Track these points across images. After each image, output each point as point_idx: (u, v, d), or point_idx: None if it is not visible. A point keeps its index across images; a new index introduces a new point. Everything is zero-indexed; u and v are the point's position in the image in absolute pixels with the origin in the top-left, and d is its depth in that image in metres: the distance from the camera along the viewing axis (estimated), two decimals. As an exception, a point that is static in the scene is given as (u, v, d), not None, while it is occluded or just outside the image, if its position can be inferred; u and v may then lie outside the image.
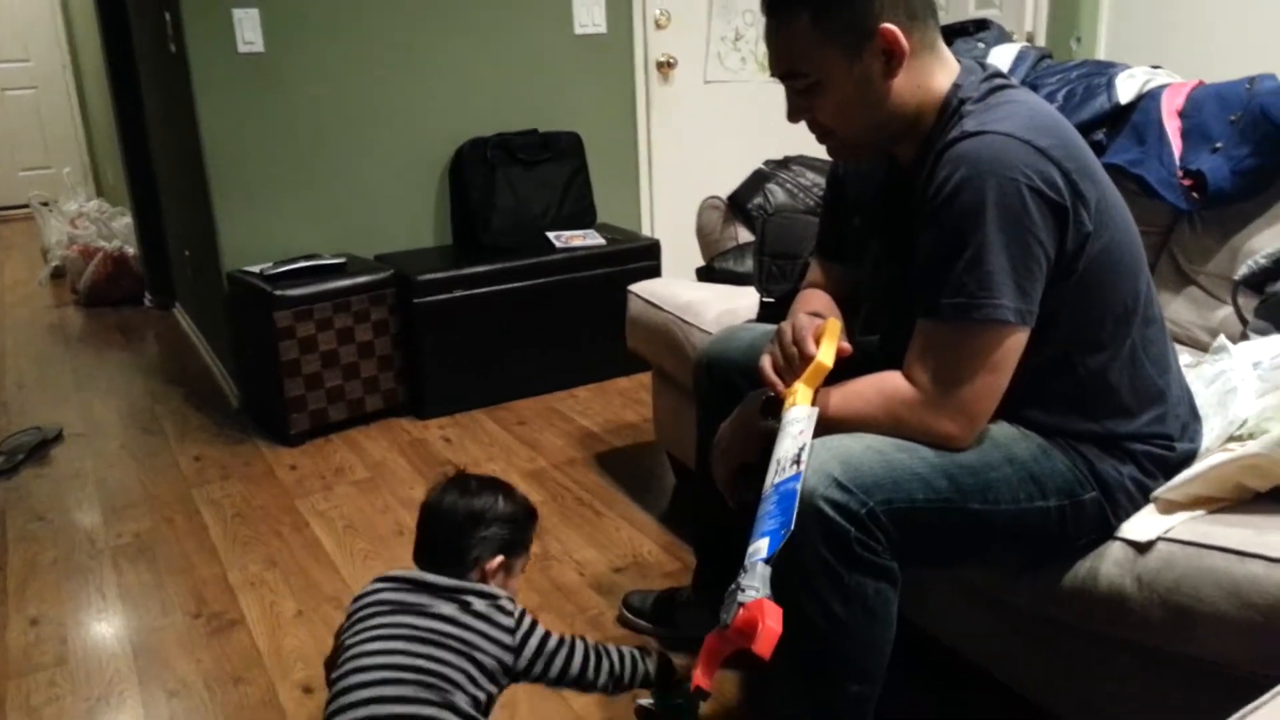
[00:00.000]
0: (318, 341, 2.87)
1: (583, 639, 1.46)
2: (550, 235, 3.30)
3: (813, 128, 1.36)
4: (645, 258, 3.30)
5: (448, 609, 1.35)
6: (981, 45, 2.42)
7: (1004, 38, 2.54)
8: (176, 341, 4.10)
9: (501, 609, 1.36)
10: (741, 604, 1.11)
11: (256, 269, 2.95)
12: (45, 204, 5.33)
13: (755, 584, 1.12)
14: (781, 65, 1.32)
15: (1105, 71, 2.20)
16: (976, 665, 1.59)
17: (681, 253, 3.41)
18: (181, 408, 3.31)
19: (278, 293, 2.80)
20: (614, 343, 2.83)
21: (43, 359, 3.96)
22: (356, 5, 3.07)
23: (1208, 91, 2.05)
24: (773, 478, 1.22)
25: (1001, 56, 2.35)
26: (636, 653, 1.51)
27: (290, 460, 2.83)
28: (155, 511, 2.57)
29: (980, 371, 1.23)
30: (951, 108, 1.29)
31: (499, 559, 1.44)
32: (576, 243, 3.27)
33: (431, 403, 3.08)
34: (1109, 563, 1.30)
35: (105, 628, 2.07)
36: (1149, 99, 2.10)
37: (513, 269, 3.12)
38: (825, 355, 1.32)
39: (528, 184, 3.33)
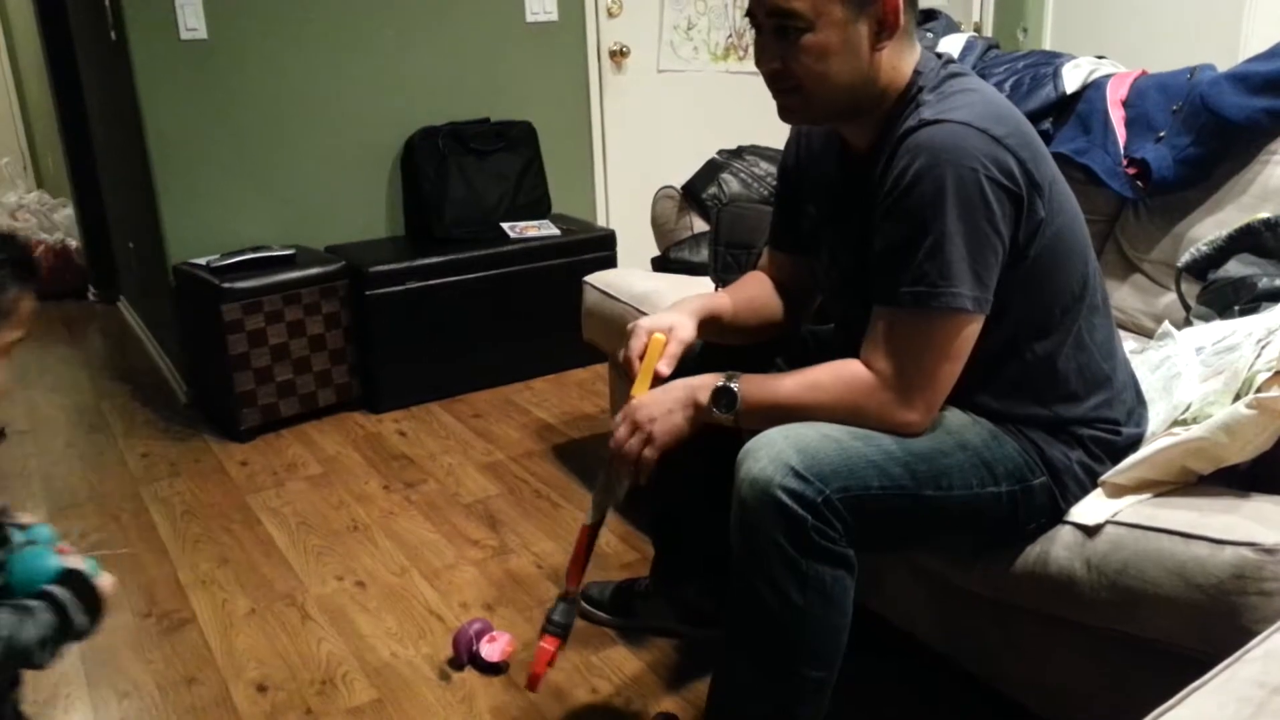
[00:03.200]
0: (267, 335, 2.82)
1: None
2: (504, 226, 3.27)
3: (779, 78, 1.31)
4: (600, 248, 3.29)
5: None
6: (930, 35, 2.44)
7: (952, 27, 2.57)
8: (122, 336, 4.01)
9: None
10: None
11: (203, 261, 2.90)
12: (-18, 195, 5.18)
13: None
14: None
15: (1051, 61, 2.23)
16: (932, 649, 1.61)
17: (636, 243, 3.41)
18: (128, 404, 3.24)
19: (225, 285, 2.75)
20: (570, 334, 2.82)
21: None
22: (303, -8, 3.02)
23: (1150, 81, 2.09)
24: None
25: (950, 46, 2.38)
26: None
27: (241, 456, 2.78)
28: (103, 510, 2.52)
29: (939, 359, 1.24)
30: (910, 94, 1.30)
31: None
32: (531, 233, 3.25)
33: (386, 396, 3.05)
34: (1059, 546, 1.33)
35: (51, 630, 2.02)
36: (1094, 89, 2.14)
37: (467, 260, 3.10)
38: (638, 388, 1.46)
39: (481, 174, 3.30)
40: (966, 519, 1.32)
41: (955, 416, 1.34)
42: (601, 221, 3.73)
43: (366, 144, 3.23)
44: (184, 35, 2.88)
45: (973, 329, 1.25)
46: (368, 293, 2.95)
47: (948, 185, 1.20)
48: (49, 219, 4.75)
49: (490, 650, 1.80)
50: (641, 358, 1.47)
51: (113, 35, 2.98)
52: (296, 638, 1.95)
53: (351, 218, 3.26)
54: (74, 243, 4.62)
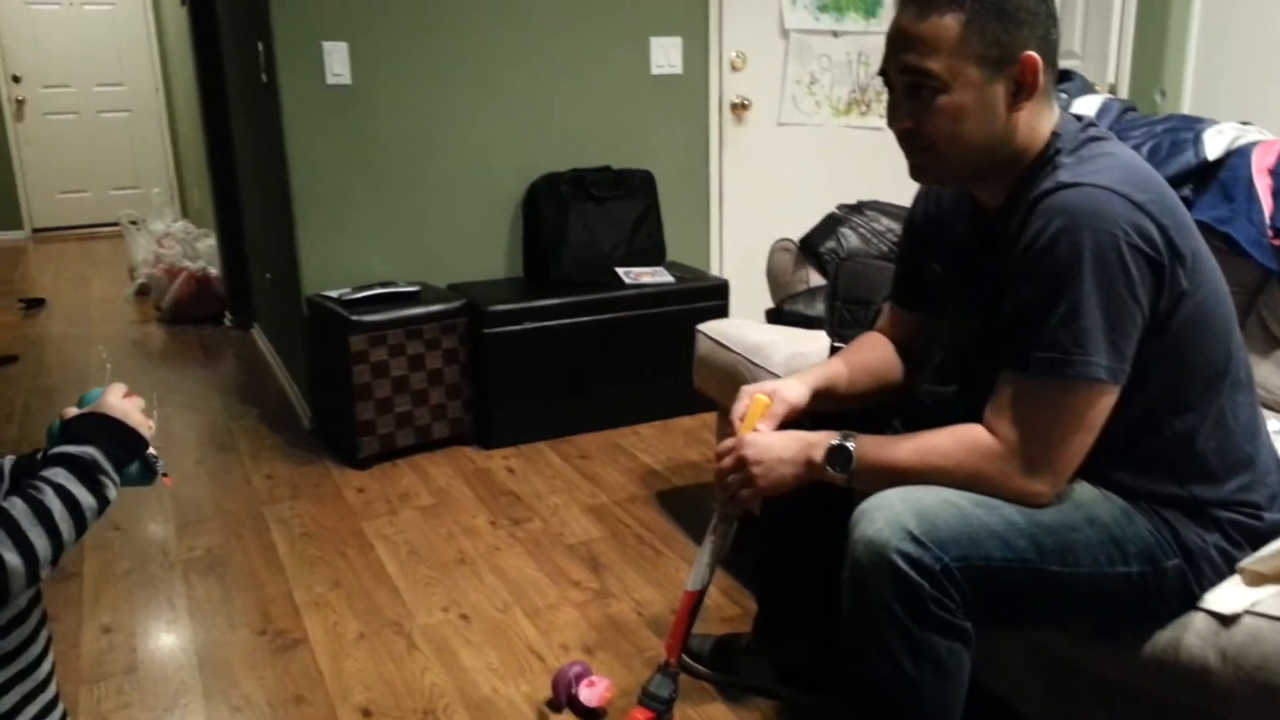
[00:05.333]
0: (390, 367, 2.93)
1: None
2: (620, 271, 3.32)
3: (911, 137, 1.31)
4: (713, 297, 3.31)
5: None
6: (1064, 95, 2.39)
7: (1087, 89, 2.51)
8: (253, 361, 4.21)
9: None
10: None
11: (335, 294, 3.03)
12: (134, 223, 5.52)
13: None
14: (908, 58, 1.25)
15: (1192, 127, 2.16)
16: (1046, 731, 1.54)
17: (748, 294, 3.41)
18: (256, 426, 3.39)
19: (354, 318, 2.87)
20: (679, 382, 2.83)
21: (124, 374, 4.09)
22: (441, 41, 3.16)
23: (1301, 150, 2.00)
24: None
25: (1084, 108, 2.33)
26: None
27: (358, 483, 2.88)
28: (226, 527, 2.63)
29: (1069, 430, 1.21)
30: (1048, 155, 1.28)
31: None
32: (645, 280, 3.29)
33: (497, 433, 3.11)
34: (1191, 634, 1.26)
35: (174, 639, 2.12)
36: (1238, 156, 2.06)
37: (582, 303, 3.15)
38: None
39: (599, 220, 3.37)
40: (1092, 598, 1.27)
41: (1085, 490, 1.29)
42: (715, 271, 3.75)
43: (493, 188, 3.34)
44: (329, 80, 3.04)
45: (1107, 400, 1.21)
46: (485, 331, 3.03)
47: (1085, 250, 1.17)
48: (192, 247, 5.02)
49: (589, 695, 1.80)
50: (744, 419, 1.49)
51: (264, 78, 3.17)
52: (402, 665, 1.99)
53: (474, 257, 3.36)
54: (214, 271, 4.88)
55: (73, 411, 1.05)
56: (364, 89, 3.09)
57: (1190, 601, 1.29)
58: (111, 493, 0.97)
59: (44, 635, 1.07)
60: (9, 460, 1.10)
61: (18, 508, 0.90)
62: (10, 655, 1.02)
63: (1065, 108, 2.34)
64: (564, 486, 2.83)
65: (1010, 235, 1.27)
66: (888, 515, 1.21)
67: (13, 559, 0.88)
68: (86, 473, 0.95)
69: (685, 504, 2.70)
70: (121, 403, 1.04)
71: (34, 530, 0.90)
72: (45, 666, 1.07)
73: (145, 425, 1.04)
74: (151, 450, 1.05)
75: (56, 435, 1.01)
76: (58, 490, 0.93)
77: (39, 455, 1.03)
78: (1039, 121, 1.29)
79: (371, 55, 3.08)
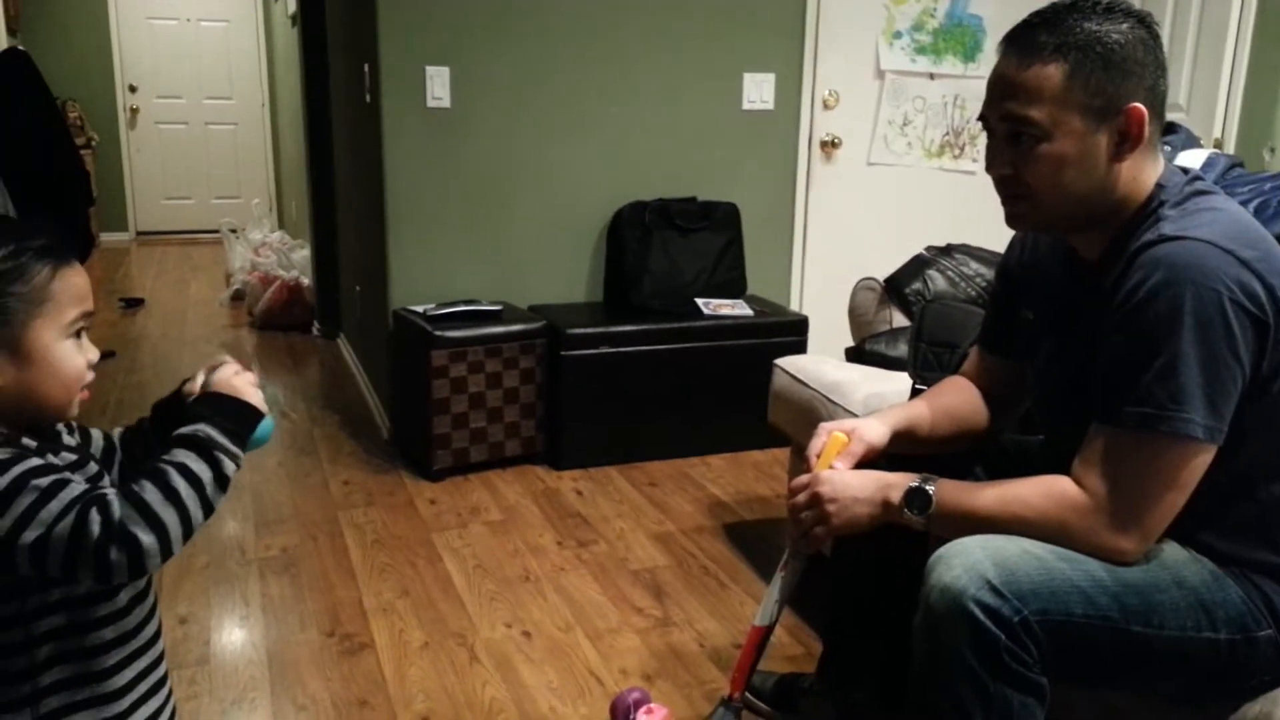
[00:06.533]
0: (468, 383, 2.98)
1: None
2: (699, 302, 3.34)
3: (1008, 184, 1.29)
4: (792, 332, 3.29)
5: None
6: (1168, 148, 2.33)
7: (1192, 142, 2.44)
8: (338, 370, 4.32)
9: None
10: None
11: (420, 309, 3.10)
12: (233, 231, 5.74)
13: None
14: (1010, 106, 1.24)
15: (1303, 185, 2.09)
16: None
17: (827, 331, 3.39)
18: (336, 433, 3.48)
19: (437, 332, 2.93)
20: (752, 415, 2.82)
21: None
22: (539, 70, 3.23)
23: None
24: None
25: (1189, 162, 2.27)
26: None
27: (431, 494, 2.93)
28: (302, 529, 2.70)
29: (1161, 487, 1.17)
30: (1150, 207, 1.26)
31: None
32: (724, 311, 3.29)
33: (567, 454, 3.14)
34: (1283, 709, 1.21)
35: (246, 635, 2.17)
36: (1352, 217, 1.98)
37: (659, 331, 3.17)
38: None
39: (682, 250, 3.39)
40: (1176, 663, 1.22)
41: (1174, 551, 1.25)
42: (794, 307, 3.73)
43: (579, 213, 3.39)
44: (430, 103, 3.13)
45: (1202, 459, 1.17)
46: (563, 353, 3.06)
47: (1186, 304, 1.14)
48: (287, 257, 5.19)
49: (647, 722, 1.79)
50: (819, 456, 1.48)
51: (368, 98, 3.28)
52: (464, 677, 2.01)
53: (556, 280, 3.41)
54: (306, 281, 5.02)
55: (200, 378, 1.11)
56: (462, 113, 3.17)
57: (1282, 676, 1.24)
58: (229, 468, 1.02)
59: (157, 617, 1.13)
60: (117, 432, 1.16)
61: (148, 490, 0.96)
62: (130, 633, 1.08)
63: (1170, 160, 2.29)
64: (631, 512, 2.84)
65: (1109, 287, 1.24)
66: (966, 562, 1.19)
67: (148, 539, 0.94)
68: (205, 450, 1.01)
69: (753, 538, 2.68)
70: (232, 379, 1.08)
71: (165, 511, 0.95)
72: (158, 647, 1.13)
73: (258, 397, 1.08)
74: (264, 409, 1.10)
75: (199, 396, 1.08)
76: (180, 469, 0.98)
77: (142, 422, 1.15)
78: (1142, 173, 1.27)
79: (471, 81, 3.16)
